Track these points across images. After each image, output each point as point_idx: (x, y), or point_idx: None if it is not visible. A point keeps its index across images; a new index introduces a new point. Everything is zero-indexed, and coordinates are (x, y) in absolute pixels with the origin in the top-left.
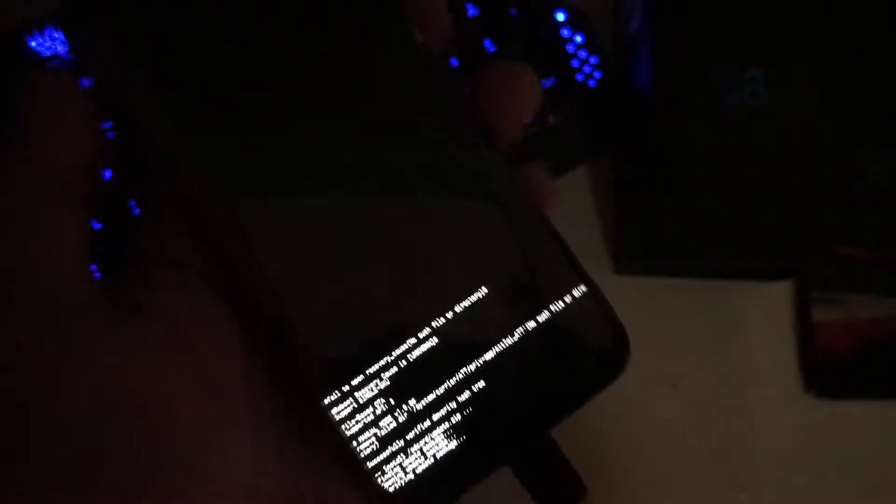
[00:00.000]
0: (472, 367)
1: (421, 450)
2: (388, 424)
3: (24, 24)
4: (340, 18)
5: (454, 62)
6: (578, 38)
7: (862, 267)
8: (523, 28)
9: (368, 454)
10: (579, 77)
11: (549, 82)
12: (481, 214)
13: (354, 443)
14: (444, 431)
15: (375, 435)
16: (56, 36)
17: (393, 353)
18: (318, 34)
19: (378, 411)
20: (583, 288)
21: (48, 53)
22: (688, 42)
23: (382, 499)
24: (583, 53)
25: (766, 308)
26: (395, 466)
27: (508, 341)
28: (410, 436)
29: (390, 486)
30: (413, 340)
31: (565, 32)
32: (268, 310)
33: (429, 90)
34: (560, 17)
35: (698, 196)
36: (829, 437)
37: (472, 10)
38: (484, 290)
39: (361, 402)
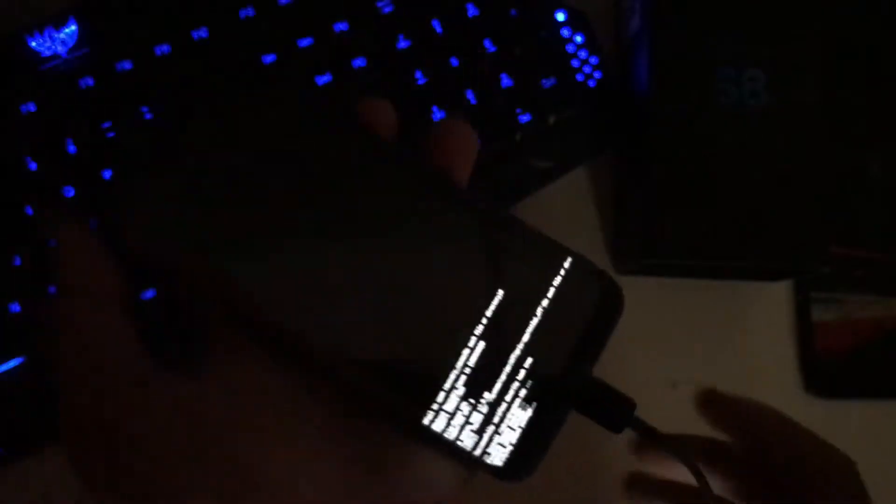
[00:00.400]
0: (517, 351)
1: (508, 425)
2: (477, 418)
3: (24, 24)
4: (314, 142)
5: (454, 62)
6: (578, 39)
7: (861, 267)
8: (523, 28)
9: (472, 445)
10: (579, 77)
11: (549, 82)
12: (471, 240)
13: (459, 442)
14: (519, 405)
15: (471, 430)
16: (56, 36)
17: (456, 365)
18: (307, 160)
19: (465, 412)
20: (569, 258)
21: (48, 53)
22: (687, 42)
23: (497, 474)
24: (583, 53)
25: (766, 308)
26: (495, 446)
27: (535, 321)
28: (496, 419)
29: (499, 461)
30: (466, 351)
31: (565, 32)
32: (348, 374)
33: (396, 169)
34: (560, 17)
35: (698, 196)
36: (829, 436)
37: (472, 10)
38: (500, 291)
39: (451, 410)
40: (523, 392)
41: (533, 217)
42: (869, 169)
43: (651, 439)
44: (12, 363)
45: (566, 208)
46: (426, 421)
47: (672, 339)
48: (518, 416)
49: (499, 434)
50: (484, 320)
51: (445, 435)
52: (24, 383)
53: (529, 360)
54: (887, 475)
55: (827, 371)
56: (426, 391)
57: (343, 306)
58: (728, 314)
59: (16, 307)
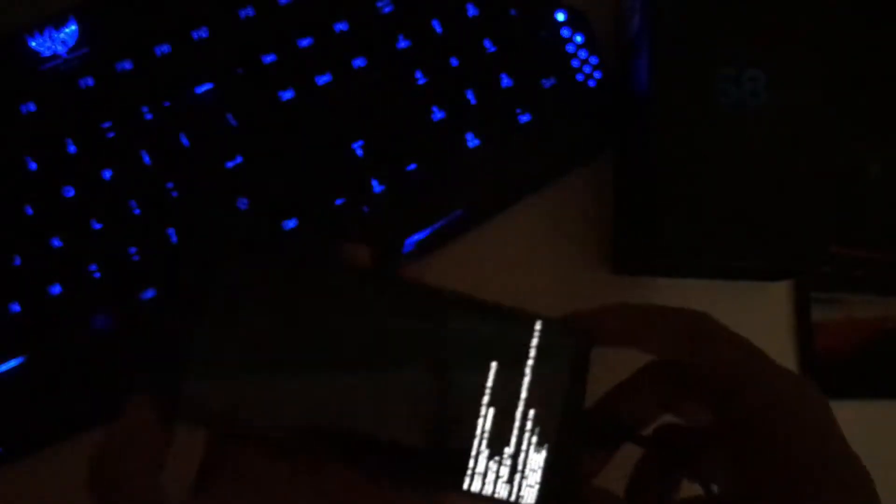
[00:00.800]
0: (520, 407)
1: (531, 469)
2: (504, 471)
3: (24, 24)
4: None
5: (454, 62)
6: (578, 39)
7: (862, 267)
8: (523, 28)
9: (507, 494)
10: (579, 77)
11: (548, 82)
12: (460, 331)
13: (497, 495)
14: (535, 450)
15: (503, 482)
16: (56, 36)
17: (476, 434)
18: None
19: (494, 469)
20: (538, 322)
21: (48, 53)
22: (687, 42)
23: None
24: (583, 53)
25: (766, 308)
26: (526, 489)
27: (527, 379)
28: (520, 465)
29: (532, 500)
30: (481, 419)
31: (565, 32)
32: (403, 469)
33: (384, 292)
34: (560, 17)
35: (698, 196)
36: None
37: (471, 11)
38: (493, 364)
39: (482, 471)
40: (535, 439)
41: (533, 218)
42: (869, 169)
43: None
44: (12, 363)
45: (566, 209)
46: (465, 486)
47: None
48: (536, 459)
49: (525, 478)
50: (487, 391)
51: (484, 492)
52: (25, 383)
53: (532, 412)
54: (887, 475)
55: (827, 371)
56: (460, 462)
57: (381, 415)
58: (728, 314)
59: (16, 307)
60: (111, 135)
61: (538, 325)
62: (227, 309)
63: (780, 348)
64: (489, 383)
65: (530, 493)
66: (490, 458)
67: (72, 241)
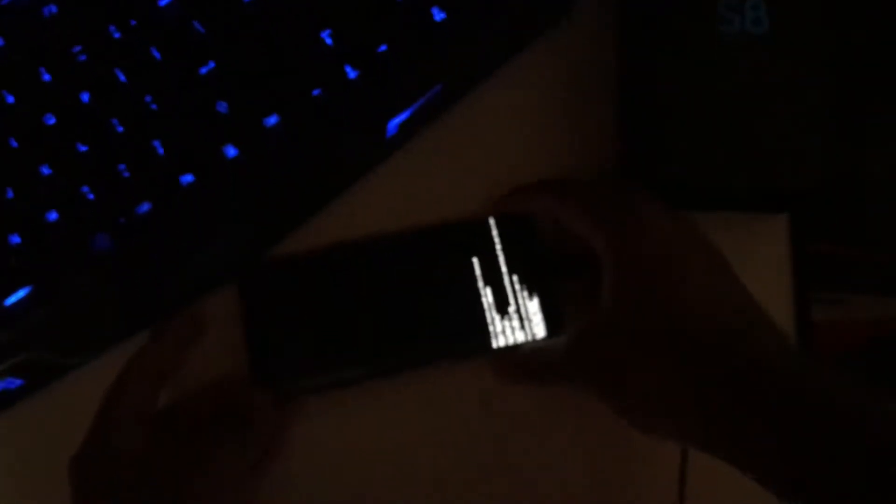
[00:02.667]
0: (506, 277)
1: (531, 313)
2: (516, 323)
3: None
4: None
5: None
6: None
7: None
8: None
9: (525, 336)
10: None
11: None
12: (457, 248)
13: (517, 340)
14: (528, 300)
15: (517, 329)
16: None
17: (486, 306)
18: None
19: (508, 324)
20: (490, 219)
21: None
22: None
23: (548, 337)
24: None
25: (767, 308)
26: (534, 327)
27: (502, 258)
28: (524, 315)
29: (542, 332)
30: (484, 298)
31: None
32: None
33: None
34: None
35: (701, 122)
36: None
37: None
38: (475, 259)
39: (500, 330)
40: (525, 293)
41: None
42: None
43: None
44: (20, 293)
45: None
46: (495, 346)
47: None
48: (532, 306)
49: (531, 321)
50: (479, 278)
51: (509, 343)
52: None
53: (515, 276)
54: None
55: None
56: (484, 331)
57: (422, 324)
58: None
59: (15, 238)
60: (83, 58)
61: (491, 221)
62: (271, 298)
63: None
64: (478, 272)
65: (539, 328)
66: (502, 319)
67: (60, 166)
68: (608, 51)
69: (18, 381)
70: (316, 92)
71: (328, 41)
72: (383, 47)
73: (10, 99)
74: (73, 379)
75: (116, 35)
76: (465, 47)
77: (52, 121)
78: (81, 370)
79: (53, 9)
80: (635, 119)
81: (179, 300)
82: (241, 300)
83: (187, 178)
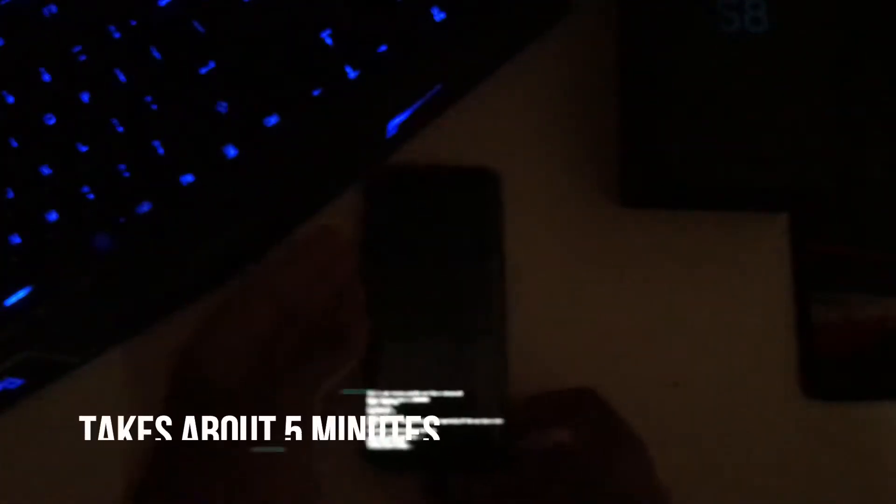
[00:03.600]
0: None
1: None
2: None
3: None
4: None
5: None
6: None
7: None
8: None
9: None
10: None
11: None
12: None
13: None
14: None
15: None
16: None
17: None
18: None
19: None
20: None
21: None
22: None
23: None
24: None
25: (767, 309)
26: None
27: None
28: None
29: None
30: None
31: None
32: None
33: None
34: None
35: (700, 122)
36: (830, 439)
37: None
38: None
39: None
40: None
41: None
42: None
43: None
44: (21, 294)
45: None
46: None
47: (672, 339)
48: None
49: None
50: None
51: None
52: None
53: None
54: (887, 475)
55: (827, 372)
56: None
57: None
58: (728, 314)
59: (16, 238)
60: (83, 58)
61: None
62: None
63: (780, 348)
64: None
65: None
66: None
67: (61, 166)
68: (608, 51)
69: (18, 381)
70: (316, 92)
71: (328, 41)
72: (383, 47)
73: (10, 99)
74: (73, 379)
75: (116, 35)
76: (465, 47)
77: (52, 121)
78: (81, 370)
79: (53, 9)
80: (635, 119)
81: (180, 300)
82: (365, 202)
83: (187, 178)
